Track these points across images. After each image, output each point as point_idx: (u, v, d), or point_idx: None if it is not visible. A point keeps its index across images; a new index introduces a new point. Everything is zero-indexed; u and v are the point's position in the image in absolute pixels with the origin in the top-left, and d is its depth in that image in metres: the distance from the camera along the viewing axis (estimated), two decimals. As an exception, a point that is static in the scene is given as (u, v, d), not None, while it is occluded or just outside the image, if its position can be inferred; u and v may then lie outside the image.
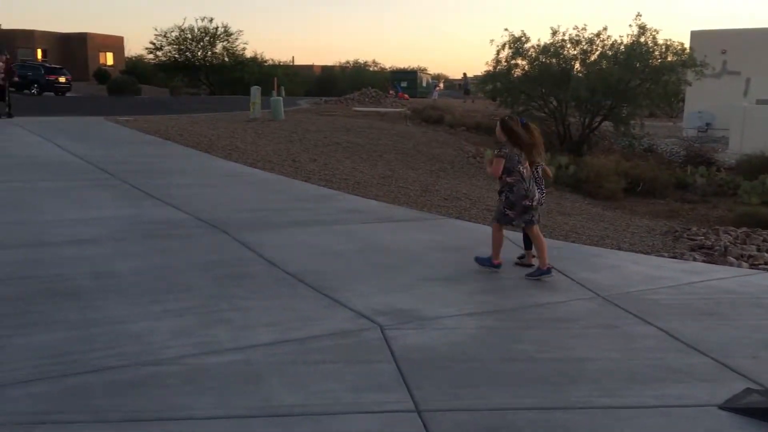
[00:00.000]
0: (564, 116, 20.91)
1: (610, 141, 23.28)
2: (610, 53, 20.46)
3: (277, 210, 8.33)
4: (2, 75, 16.56)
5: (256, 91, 19.20)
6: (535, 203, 6.20)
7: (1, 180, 8.97)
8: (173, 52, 50.48)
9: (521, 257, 6.58)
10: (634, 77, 19.91)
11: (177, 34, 50.17)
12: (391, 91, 38.37)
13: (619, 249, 8.18)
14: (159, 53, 50.78)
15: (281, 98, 20.14)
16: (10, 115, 16.43)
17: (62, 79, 36.62)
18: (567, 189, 14.57)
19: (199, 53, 50.73)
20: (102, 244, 6.23)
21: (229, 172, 11.00)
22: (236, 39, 51.94)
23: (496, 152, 6.20)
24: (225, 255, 6.20)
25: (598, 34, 20.67)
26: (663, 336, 4.70)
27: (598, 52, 20.62)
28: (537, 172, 6.49)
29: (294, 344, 4.21)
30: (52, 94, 35.44)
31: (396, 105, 29.38)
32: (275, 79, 24.78)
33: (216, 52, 51.37)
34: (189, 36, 50.17)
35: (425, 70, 72.09)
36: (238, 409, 3.36)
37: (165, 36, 50.25)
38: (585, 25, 21.02)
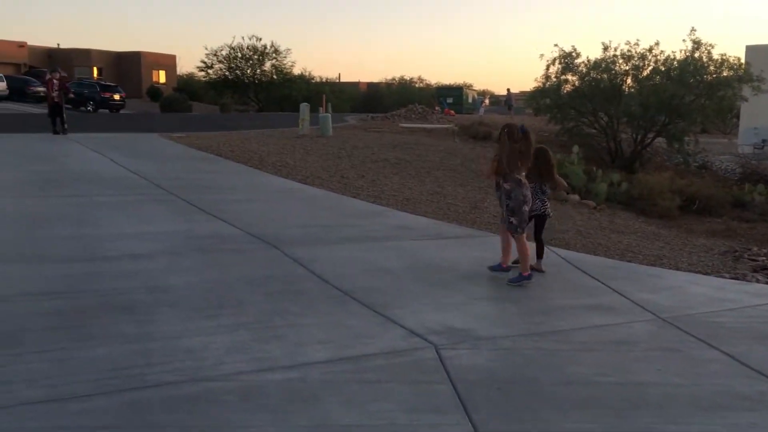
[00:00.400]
0: (615, 132, 20.55)
1: (663, 157, 22.76)
2: (663, 68, 20.06)
3: (327, 226, 8.34)
4: (57, 92, 17.09)
5: (305, 108, 19.39)
6: (533, 212, 6.50)
7: (61, 194, 9.21)
8: (223, 70, 51.49)
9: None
10: (689, 93, 19.47)
11: (227, 52, 51.20)
12: (437, 107, 38.30)
13: (678, 269, 7.93)
14: (210, 71, 51.86)
15: (329, 115, 20.29)
16: (65, 132, 16.94)
17: (116, 97, 37.65)
18: (619, 206, 14.24)
19: (249, 71, 51.60)
20: (156, 258, 6.31)
21: (280, 187, 11.09)
22: (284, 57, 52.73)
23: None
24: (277, 270, 6.22)
25: (650, 49, 20.32)
26: (729, 361, 4.51)
27: (650, 68, 20.25)
28: (544, 185, 6.81)
29: (348, 362, 4.17)
30: (107, 111, 36.47)
31: (442, 121, 29.31)
32: (324, 96, 24.99)
33: (265, 70, 52.20)
34: (239, 54, 51.12)
35: (471, 85, 72.07)
36: (295, 428, 3.33)
37: (215, 54, 51.33)
38: (638, 40, 20.60)
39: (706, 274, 8.02)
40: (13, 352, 4.02)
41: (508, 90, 48.96)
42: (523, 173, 6.31)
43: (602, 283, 6.42)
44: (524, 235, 6.31)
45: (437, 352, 4.42)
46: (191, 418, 3.38)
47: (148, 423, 3.32)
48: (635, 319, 5.39)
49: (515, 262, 6.51)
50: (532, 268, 6.39)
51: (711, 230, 12.62)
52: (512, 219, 6.25)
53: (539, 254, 6.77)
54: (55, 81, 17.12)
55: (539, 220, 6.86)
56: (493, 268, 6.53)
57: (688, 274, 7.64)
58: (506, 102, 47.55)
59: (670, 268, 7.93)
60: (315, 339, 4.54)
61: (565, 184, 7.25)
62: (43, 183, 10.01)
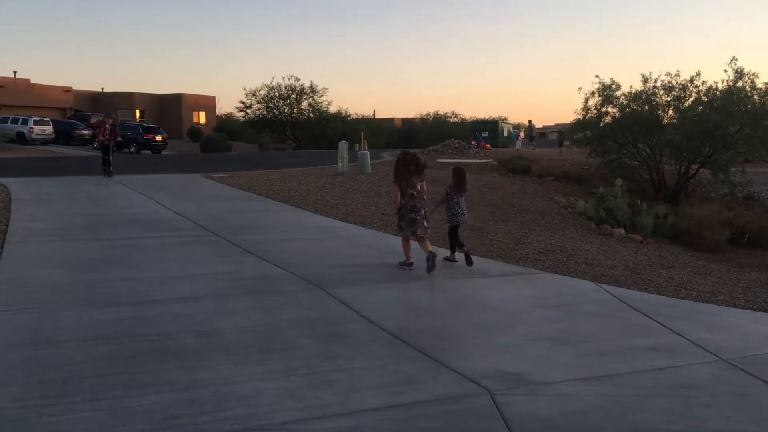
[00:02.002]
0: (658, 164, 20.20)
1: (708, 189, 22.27)
2: (706, 99, 19.74)
3: (370, 265, 8.27)
4: (108, 136, 17.55)
5: (343, 146, 19.52)
6: (419, 218, 8.00)
7: (109, 237, 9.35)
8: (261, 110, 52.45)
9: (447, 257, 8.62)
10: (733, 123, 19.09)
11: (265, 92, 52.20)
12: (473, 142, 38.29)
13: (735, 306, 7.65)
14: (248, 111, 52.87)
15: (368, 152, 20.38)
16: (110, 174, 17.33)
17: (158, 138, 38.56)
18: (666, 240, 13.93)
19: (286, 110, 52.47)
20: (204, 301, 6.31)
21: (321, 226, 11.10)
22: (321, 95, 53.51)
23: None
24: (323, 312, 6.16)
25: (691, 80, 20.04)
26: (803, 406, 4.27)
27: (692, 98, 19.94)
28: (455, 199, 8.84)
29: (402, 410, 4.05)
30: (149, 152, 37.33)
31: (479, 155, 29.25)
32: (362, 133, 25.13)
33: (302, 109, 53.01)
34: (276, 94, 52.06)
35: (506, 119, 71.94)
36: (352, 482, 3.22)
37: (254, 95, 52.37)
38: (678, 71, 20.36)
39: (766, 311, 7.72)
40: (67, 400, 4.00)
41: (530, 121, 48.83)
42: (416, 188, 8.08)
43: (658, 322, 6.20)
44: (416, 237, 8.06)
45: (492, 398, 4.28)
46: (246, 471, 3.29)
47: (202, 475, 3.24)
48: (697, 361, 5.17)
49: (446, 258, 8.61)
50: (450, 260, 8.62)
51: (764, 264, 12.22)
52: (401, 222, 8.18)
53: (461, 245, 8.62)
54: (107, 126, 17.60)
55: (460, 227, 8.91)
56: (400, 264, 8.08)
57: (746, 311, 7.35)
58: (527, 133, 47.41)
59: (727, 305, 7.66)
60: (366, 384, 4.44)
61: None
62: (92, 226, 10.18)
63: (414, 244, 8.17)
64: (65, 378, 4.35)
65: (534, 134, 46.76)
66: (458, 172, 8.95)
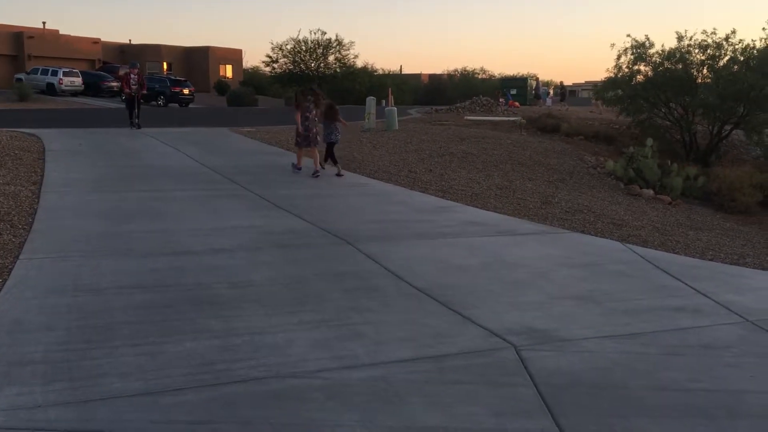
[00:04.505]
0: (690, 124, 19.83)
1: (741, 150, 21.86)
2: (742, 58, 19.22)
3: (397, 221, 8.35)
4: (135, 86, 17.61)
5: (371, 101, 19.41)
6: (312, 135, 11.52)
7: (140, 189, 9.52)
8: (288, 64, 52.13)
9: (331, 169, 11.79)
10: (769, 83, 18.60)
11: (292, 46, 51.80)
12: (501, 99, 37.80)
13: (764, 269, 7.60)
14: (275, 65, 52.60)
15: (395, 108, 20.25)
16: (138, 126, 17.45)
17: (186, 91, 38.59)
18: (696, 202, 13.77)
19: (313, 64, 52.10)
20: (236, 253, 6.45)
21: (349, 182, 11.17)
22: (347, 50, 52.97)
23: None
24: (352, 267, 6.27)
25: (727, 38, 19.48)
26: (829, 369, 4.30)
27: (727, 57, 19.42)
28: (327, 124, 11.90)
29: (429, 362, 4.17)
30: (176, 105, 37.47)
31: (508, 113, 28.92)
32: (389, 90, 24.94)
33: (328, 63, 52.59)
34: (303, 48, 51.65)
35: (535, 76, 70.75)
36: (383, 429, 3.35)
37: (281, 49, 52.00)
38: (714, 29, 19.79)
39: (795, 274, 7.67)
40: (109, 345, 4.17)
41: (536, 78, 47.98)
42: (314, 114, 11.64)
43: (685, 283, 6.22)
44: (314, 148, 11.60)
45: (517, 353, 4.37)
46: (280, 415, 3.44)
47: (239, 419, 3.40)
48: (722, 321, 5.21)
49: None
50: (320, 167, 11.51)
51: (795, 227, 12.06)
52: (297, 138, 11.69)
53: (335, 162, 11.79)
54: (132, 76, 17.62)
55: (333, 144, 11.97)
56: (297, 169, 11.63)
57: (775, 274, 7.31)
58: (534, 91, 46.74)
59: (755, 268, 7.62)
60: (394, 337, 4.56)
61: (345, 122, 12.27)
62: (124, 177, 10.36)
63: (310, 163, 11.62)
64: (105, 323, 4.52)
65: (540, 92, 46.07)
66: (329, 107, 11.95)
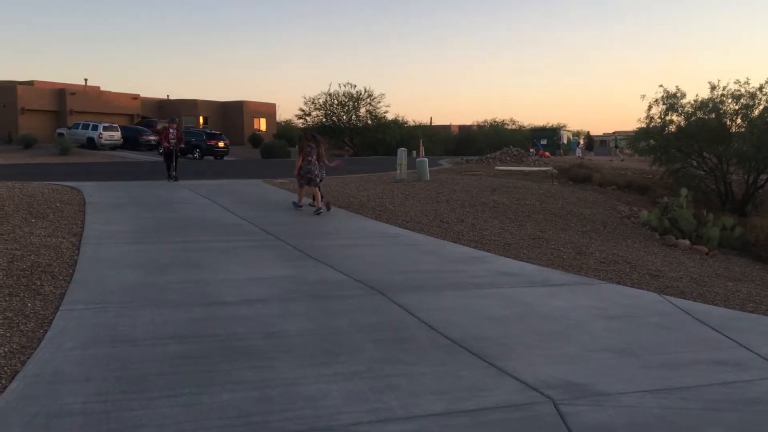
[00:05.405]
0: (725, 174, 19.60)
1: (778, 200, 21.46)
2: (776, 107, 19.07)
3: (430, 272, 8.34)
4: (174, 140, 18.10)
5: (402, 153, 19.62)
6: (313, 176, 12.96)
7: (177, 240, 9.69)
8: (320, 117, 53.11)
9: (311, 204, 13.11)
10: (805, 132, 18.37)
11: (324, 99, 52.86)
12: (531, 149, 37.91)
13: (807, 321, 7.39)
14: (308, 118, 53.61)
15: (426, 159, 20.42)
16: (176, 179, 17.85)
17: (221, 144, 39.44)
18: (733, 252, 13.50)
19: (344, 117, 53.01)
20: (270, 304, 6.50)
21: (381, 233, 11.22)
22: (378, 101, 53.85)
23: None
24: (385, 317, 6.26)
25: (761, 88, 19.37)
26: None
27: (762, 107, 19.28)
28: (321, 163, 13.31)
29: (465, 416, 4.11)
30: (212, 157, 38.26)
31: (539, 163, 28.95)
32: (420, 141, 25.21)
33: (360, 115, 53.45)
34: (335, 102, 52.67)
35: (565, 126, 70.79)
36: (419, 484, 3.30)
37: (313, 102, 53.10)
38: (747, 78, 19.72)
39: (841, 327, 7.43)
40: (146, 396, 4.21)
41: (561, 129, 48.62)
42: (314, 158, 13.13)
43: (725, 335, 6.09)
44: (316, 188, 12.96)
45: (556, 407, 4.29)
46: (315, 469, 3.41)
47: (274, 471, 3.37)
48: (766, 375, 5.06)
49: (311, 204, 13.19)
50: (313, 205, 12.99)
51: (839, 278, 11.72)
52: (300, 179, 13.21)
53: (323, 198, 12.99)
54: (171, 131, 18.13)
55: (320, 181, 13.22)
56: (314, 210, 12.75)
57: (820, 327, 7.10)
58: (556, 142, 47.40)
59: (799, 320, 7.40)
60: (428, 390, 4.52)
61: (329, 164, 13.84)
62: (161, 229, 10.56)
63: (311, 199, 13.20)
64: (142, 374, 4.57)
65: (561, 143, 46.70)
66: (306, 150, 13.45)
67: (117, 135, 41.28)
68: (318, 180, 13.03)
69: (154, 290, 6.84)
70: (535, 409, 4.28)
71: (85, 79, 52.75)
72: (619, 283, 8.54)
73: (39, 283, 6.81)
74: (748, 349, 5.71)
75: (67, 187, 14.70)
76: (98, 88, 53.13)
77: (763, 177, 19.67)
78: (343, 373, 4.74)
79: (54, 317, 5.78)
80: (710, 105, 19.57)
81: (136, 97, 54.30)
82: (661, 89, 20.33)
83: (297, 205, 13.17)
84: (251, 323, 5.81)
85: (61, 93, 48.49)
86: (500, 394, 4.48)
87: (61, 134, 39.75)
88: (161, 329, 5.56)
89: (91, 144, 39.63)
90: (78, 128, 40.97)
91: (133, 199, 13.86)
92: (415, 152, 25.29)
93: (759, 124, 18.95)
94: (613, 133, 56.56)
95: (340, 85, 60.30)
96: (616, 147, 47.33)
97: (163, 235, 10.09)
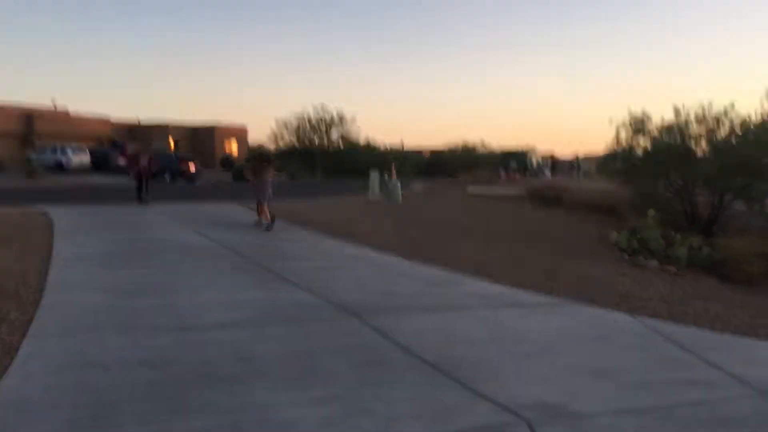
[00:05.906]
0: (691, 195, 20.00)
1: (741, 220, 21.93)
2: (740, 132, 19.57)
3: (403, 294, 8.34)
4: (146, 168, 18.16)
5: (375, 176, 19.73)
6: (265, 192, 14.01)
7: (147, 264, 9.55)
8: (293, 141, 53.17)
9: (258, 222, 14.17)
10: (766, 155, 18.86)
11: (296, 124, 52.98)
12: (502, 172, 38.36)
13: (774, 340, 7.52)
14: (279, 142, 53.61)
15: (398, 182, 20.53)
16: (147, 202, 17.71)
17: (192, 167, 39.16)
18: (701, 272, 13.73)
19: (316, 141, 53.12)
20: (242, 327, 6.42)
21: (355, 255, 11.20)
22: (350, 126, 54.10)
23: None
24: (359, 340, 6.22)
25: (725, 112, 19.88)
26: None
27: (725, 131, 19.78)
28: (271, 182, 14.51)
29: (442, 438, 4.09)
30: (183, 181, 37.92)
31: (509, 186, 29.27)
32: (393, 164, 25.36)
33: (331, 140, 53.61)
34: (307, 126, 52.79)
35: (534, 149, 71.69)
36: (396, 508, 3.27)
37: (285, 126, 53.17)
38: (710, 102, 20.22)
39: (807, 345, 7.58)
40: (116, 422, 4.11)
41: (529, 152, 49.86)
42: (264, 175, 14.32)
43: (696, 355, 6.16)
44: (264, 204, 14.01)
45: (531, 429, 4.29)
46: (291, 495, 3.36)
47: (249, 498, 3.31)
48: (735, 394, 5.13)
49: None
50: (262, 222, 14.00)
51: (803, 297, 11.97)
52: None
53: (272, 219, 13.72)
54: (142, 158, 18.20)
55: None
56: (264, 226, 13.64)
57: (787, 345, 7.23)
58: (528, 164, 48.74)
59: (766, 339, 7.54)
60: (405, 413, 4.49)
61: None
62: (132, 253, 10.42)
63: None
64: (112, 401, 4.47)
65: (510, 165, 47.73)
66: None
67: (86, 158, 40.81)
68: (269, 196, 14.21)
69: (125, 315, 6.72)
70: (512, 430, 4.27)
71: (53, 98, 52.01)
72: (590, 303, 8.61)
73: (5, 309, 6.66)
74: (718, 368, 5.78)
75: (34, 212, 14.45)
76: (67, 113, 52.44)
77: (728, 198, 20.11)
78: (319, 398, 4.69)
79: (21, 344, 5.64)
80: (675, 129, 20.02)
81: (106, 121, 53.80)
82: (628, 113, 20.78)
83: (257, 224, 14.03)
84: (224, 347, 5.73)
85: (29, 117, 47.77)
86: (477, 417, 4.47)
87: (29, 159, 39.19)
88: (132, 354, 5.46)
89: (59, 167, 39.08)
90: (45, 152, 40.40)
91: (103, 223, 13.68)
92: (387, 174, 25.41)
93: (723, 147, 19.42)
94: (575, 157, 57.53)
95: (312, 107, 60.52)
96: (579, 169, 48.16)
97: (133, 258, 9.95)
